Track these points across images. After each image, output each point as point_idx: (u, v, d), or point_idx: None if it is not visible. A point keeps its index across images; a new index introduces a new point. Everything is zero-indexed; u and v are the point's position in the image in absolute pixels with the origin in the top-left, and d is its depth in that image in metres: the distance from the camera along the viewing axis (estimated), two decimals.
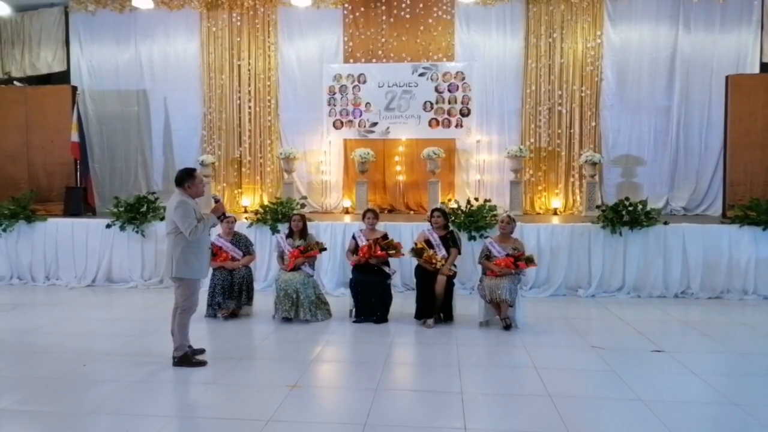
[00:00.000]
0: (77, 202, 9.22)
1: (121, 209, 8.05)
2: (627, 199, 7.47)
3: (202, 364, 4.67)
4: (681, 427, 3.52)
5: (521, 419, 3.72)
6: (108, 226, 8.06)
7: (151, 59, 10.76)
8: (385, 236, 6.29)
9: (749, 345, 5.38)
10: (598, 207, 8.14)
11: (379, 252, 6.05)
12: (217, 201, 4.88)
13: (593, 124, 9.99)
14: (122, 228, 7.99)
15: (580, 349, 5.21)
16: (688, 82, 9.83)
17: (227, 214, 6.72)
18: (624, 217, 7.32)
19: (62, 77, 10.81)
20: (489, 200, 7.85)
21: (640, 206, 7.38)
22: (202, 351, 4.93)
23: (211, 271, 6.35)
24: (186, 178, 4.64)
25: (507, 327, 5.70)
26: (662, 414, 3.70)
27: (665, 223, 7.43)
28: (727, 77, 8.94)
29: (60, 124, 9.65)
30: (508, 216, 6.11)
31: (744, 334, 5.86)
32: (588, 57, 9.97)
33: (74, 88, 10.04)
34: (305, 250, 6.18)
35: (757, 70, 9.57)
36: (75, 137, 9.51)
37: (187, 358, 4.65)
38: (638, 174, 10.07)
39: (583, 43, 9.96)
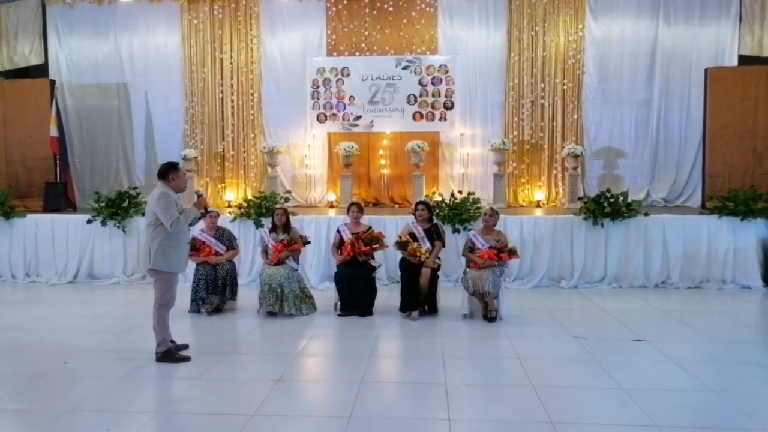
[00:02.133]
0: (57, 198, 9.10)
1: (102, 204, 7.95)
2: (608, 191, 7.56)
3: (186, 359, 4.64)
4: (661, 415, 3.58)
5: (504, 409, 3.76)
6: (89, 221, 7.96)
7: (131, 52, 10.64)
8: (367, 229, 6.30)
9: (728, 333, 5.48)
10: (580, 199, 8.22)
11: (363, 248, 6.05)
12: (200, 196, 4.88)
13: (575, 116, 10.07)
14: (103, 223, 7.90)
15: (563, 339, 5.26)
16: (668, 75, 9.95)
17: (210, 209, 6.69)
18: (605, 208, 7.39)
19: (40, 71, 10.64)
20: (473, 193, 7.88)
21: (621, 198, 7.46)
22: (185, 346, 4.90)
23: (194, 266, 6.34)
24: (170, 170, 4.63)
25: (491, 319, 5.73)
26: (643, 402, 3.77)
27: (646, 214, 7.53)
28: (706, 70, 9.03)
29: (38, 118, 9.50)
30: (491, 209, 6.15)
31: (722, 322, 5.98)
32: (570, 50, 10.03)
33: (53, 82, 9.90)
34: (289, 244, 6.16)
35: (735, 62, 9.71)
36: (54, 132, 9.38)
37: (170, 354, 4.62)
38: (619, 166, 10.19)
39: (565, 36, 10.03)
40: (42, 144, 9.47)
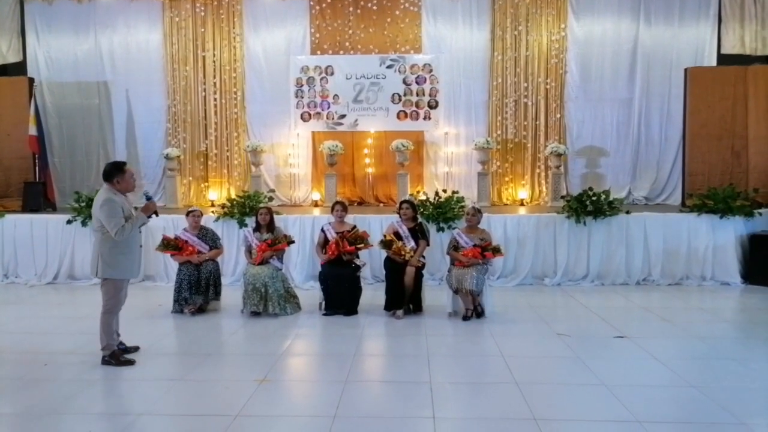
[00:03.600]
0: (36, 198, 8.97)
1: (83, 204, 7.83)
2: (591, 189, 7.63)
3: (130, 363, 4.53)
4: (643, 410, 3.62)
5: (489, 407, 3.78)
6: (69, 221, 7.85)
7: (111, 50, 10.49)
8: (352, 228, 6.30)
9: (707, 329, 5.56)
10: (563, 197, 8.28)
11: (347, 247, 6.05)
12: (148, 198, 4.66)
13: (558, 116, 10.16)
14: (84, 224, 7.78)
15: (546, 336, 5.31)
16: (649, 74, 10.08)
17: (193, 208, 6.63)
18: (588, 207, 7.47)
19: (18, 68, 10.44)
20: (457, 192, 7.90)
21: (603, 196, 7.54)
22: (136, 348, 4.83)
23: (177, 266, 6.29)
24: (115, 173, 4.43)
25: (477, 315, 5.76)
26: (625, 398, 3.81)
27: (627, 212, 7.61)
28: (686, 70, 9.18)
29: (17, 117, 9.36)
30: (473, 208, 6.16)
31: (702, 318, 6.06)
32: (552, 50, 10.11)
33: (31, 80, 9.75)
34: (273, 244, 6.13)
35: (714, 62, 9.86)
36: (33, 131, 9.24)
37: (115, 357, 4.52)
38: (602, 165, 10.30)
39: (548, 36, 10.10)
40: (20, 143, 9.33)
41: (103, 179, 4.49)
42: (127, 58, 10.49)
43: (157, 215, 4.72)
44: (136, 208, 4.63)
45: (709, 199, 7.63)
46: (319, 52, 10.34)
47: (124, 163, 4.61)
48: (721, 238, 7.52)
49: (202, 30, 10.39)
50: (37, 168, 9.49)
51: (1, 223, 8.02)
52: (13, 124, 9.38)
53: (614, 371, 4.34)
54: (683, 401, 3.84)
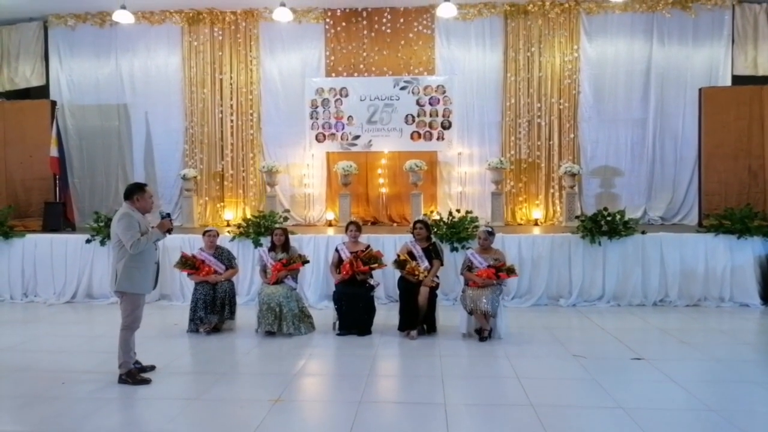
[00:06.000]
0: (56, 218, 9.13)
1: (101, 224, 7.97)
2: (605, 209, 7.60)
3: (146, 382, 4.59)
4: None
5: (504, 429, 3.75)
6: (88, 241, 7.99)
7: (131, 74, 10.74)
8: (366, 248, 6.32)
9: (726, 351, 5.47)
10: (577, 217, 8.25)
11: (361, 267, 6.07)
12: (163, 217, 4.77)
13: (572, 136, 10.16)
14: (102, 243, 7.91)
15: (562, 358, 5.26)
16: (663, 94, 10.07)
17: (209, 228, 6.70)
18: (603, 227, 7.43)
19: (41, 92, 10.74)
20: (471, 212, 7.92)
21: (618, 216, 7.50)
22: (152, 368, 4.87)
23: (193, 285, 6.35)
24: (135, 191, 4.63)
25: (485, 338, 5.73)
26: (642, 421, 3.76)
27: (643, 232, 7.56)
28: (700, 90, 9.16)
29: (39, 139, 9.57)
30: (485, 231, 6.10)
31: (721, 340, 5.97)
32: (565, 70, 10.16)
33: (53, 103, 10.00)
34: (288, 263, 6.17)
35: (729, 82, 9.83)
36: (54, 152, 9.44)
37: (132, 375, 4.58)
38: (616, 185, 10.25)
39: (561, 57, 10.16)
40: (42, 164, 9.52)
41: (124, 198, 4.68)
42: (147, 81, 10.73)
43: (171, 233, 4.87)
44: (153, 228, 4.74)
45: (726, 219, 7.56)
46: (333, 74, 10.50)
47: (145, 184, 4.82)
48: (739, 258, 7.43)
49: (220, 53, 10.61)
50: (57, 188, 9.67)
51: (21, 243, 8.17)
52: (36, 146, 9.59)
53: (631, 393, 4.29)
54: (702, 424, 3.79)
